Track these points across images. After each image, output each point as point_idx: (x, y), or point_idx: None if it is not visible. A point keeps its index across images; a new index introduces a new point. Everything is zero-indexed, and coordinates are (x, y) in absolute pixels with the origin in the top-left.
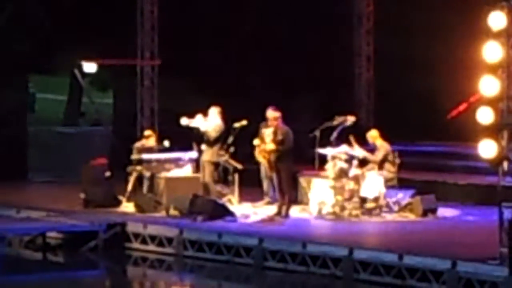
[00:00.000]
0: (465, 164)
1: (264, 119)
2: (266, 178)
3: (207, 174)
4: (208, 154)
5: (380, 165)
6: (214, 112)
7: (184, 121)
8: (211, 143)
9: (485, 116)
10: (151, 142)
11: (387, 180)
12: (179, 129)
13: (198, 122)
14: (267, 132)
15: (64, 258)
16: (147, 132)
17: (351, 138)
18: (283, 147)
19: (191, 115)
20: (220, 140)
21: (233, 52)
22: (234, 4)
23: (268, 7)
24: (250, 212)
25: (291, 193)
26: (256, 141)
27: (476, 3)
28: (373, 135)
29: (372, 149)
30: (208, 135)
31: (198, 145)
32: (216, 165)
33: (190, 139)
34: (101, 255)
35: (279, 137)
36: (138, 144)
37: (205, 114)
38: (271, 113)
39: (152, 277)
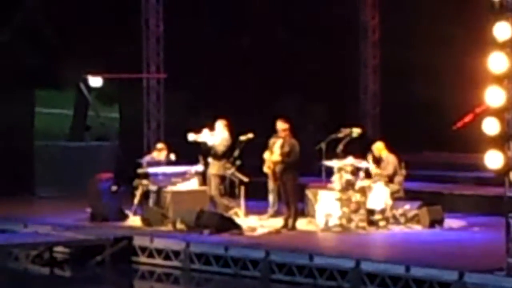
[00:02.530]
0: (472, 175)
1: (270, 132)
2: (272, 191)
3: (213, 187)
4: (215, 167)
5: (391, 178)
6: (221, 126)
7: (191, 136)
8: (218, 157)
9: (491, 126)
10: (162, 155)
11: (393, 192)
12: (185, 142)
13: (205, 136)
14: (277, 144)
15: (71, 273)
16: (159, 145)
17: (369, 157)
18: (288, 159)
19: (197, 129)
20: (227, 153)
21: (239, 65)
22: (238, 17)
23: (272, 20)
24: (256, 225)
25: (296, 205)
26: (266, 154)
27: (481, 13)
28: (379, 147)
29: (378, 161)
30: (215, 149)
31: (205, 158)
32: (222, 178)
33: (196, 152)
34: (108, 269)
35: (286, 148)
36: (147, 157)
37: (211, 127)
38: (281, 125)
39: None
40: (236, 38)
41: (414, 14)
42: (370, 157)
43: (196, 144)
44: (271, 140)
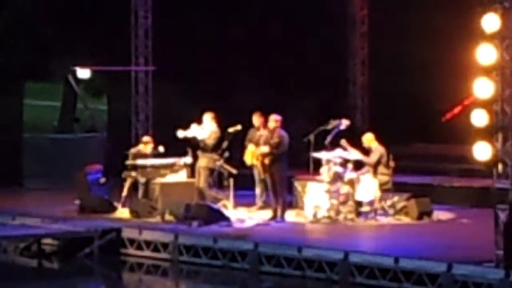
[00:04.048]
0: (460, 166)
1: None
2: (259, 182)
3: (202, 180)
4: (205, 160)
5: (374, 168)
6: (208, 118)
7: (180, 133)
8: (207, 150)
9: (479, 118)
10: (148, 148)
11: (382, 184)
12: (175, 138)
13: (195, 131)
14: (263, 137)
15: (60, 265)
16: (145, 138)
17: (344, 143)
18: (277, 151)
19: (185, 125)
20: (217, 146)
21: (227, 56)
22: (227, 8)
23: (261, 11)
24: (245, 217)
25: (284, 197)
26: (251, 147)
27: (470, 5)
28: (368, 138)
29: (367, 152)
30: (205, 143)
31: (193, 150)
32: (211, 170)
33: (185, 144)
34: (96, 261)
35: (275, 139)
36: (133, 150)
37: (198, 121)
38: (274, 116)
39: (147, 283)
40: (225, 30)
41: (403, 6)
42: (345, 143)
43: (187, 140)
44: (253, 133)
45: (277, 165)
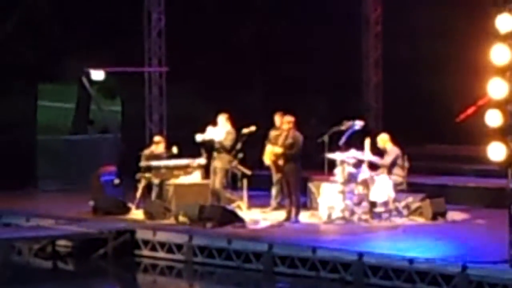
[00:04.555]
0: (475, 167)
1: (272, 124)
2: (276, 183)
3: (218, 181)
4: (222, 161)
5: (389, 169)
6: (223, 119)
7: (199, 137)
8: (225, 151)
9: (493, 118)
10: (160, 148)
11: (396, 184)
12: (188, 135)
13: (211, 134)
14: (281, 137)
15: (74, 267)
16: (156, 138)
17: (367, 142)
18: (290, 151)
19: (200, 125)
20: (233, 147)
21: (241, 57)
22: (239, 8)
23: (274, 11)
24: (259, 218)
25: (298, 197)
26: (269, 147)
27: (484, 5)
28: (383, 138)
29: (381, 153)
30: (222, 144)
31: (207, 151)
32: (227, 171)
33: (199, 145)
34: (110, 263)
35: (289, 140)
36: (147, 151)
37: (213, 122)
38: (287, 117)
39: (162, 284)
40: (238, 31)
41: (417, 7)
42: (367, 142)
43: (204, 142)
44: (273, 133)
45: (290, 165)
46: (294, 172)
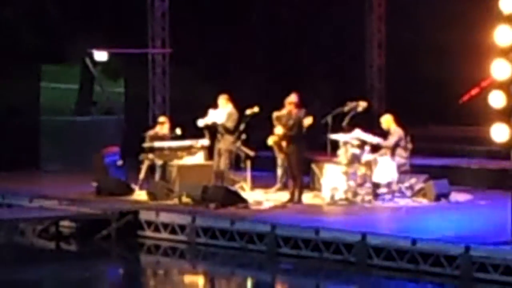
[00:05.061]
0: (478, 148)
1: (276, 106)
2: (281, 165)
3: (223, 162)
4: (226, 142)
5: (392, 150)
6: (223, 101)
7: (200, 122)
8: (229, 132)
9: (497, 100)
10: (165, 129)
11: (399, 166)
12: (191, 117)
13: (214, 117)
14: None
15: (77, 247)
16: (161, 119)
17: (368, 141)
18: (291, 132)
19: (202, 109)
20: (236, 128)
21: (244, 39)
22: None
23: None
24: (262, 199)
25: (301, 178)
26: (278, 129)
27: None
28: (387, 120)
29: (384, 134)
30: (224, 126)
31: (210, 132)
32: (230, 152)
33: (202, 127)
34: (114, 244)
35: (290, 122)
36: (151, 132)
37: (214, 105)
38: (292, 97)
39: (165, 265)
40: (242, 14)
41: None
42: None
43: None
44: (276, 113)
45: (292, 146)
46: (295, 153)
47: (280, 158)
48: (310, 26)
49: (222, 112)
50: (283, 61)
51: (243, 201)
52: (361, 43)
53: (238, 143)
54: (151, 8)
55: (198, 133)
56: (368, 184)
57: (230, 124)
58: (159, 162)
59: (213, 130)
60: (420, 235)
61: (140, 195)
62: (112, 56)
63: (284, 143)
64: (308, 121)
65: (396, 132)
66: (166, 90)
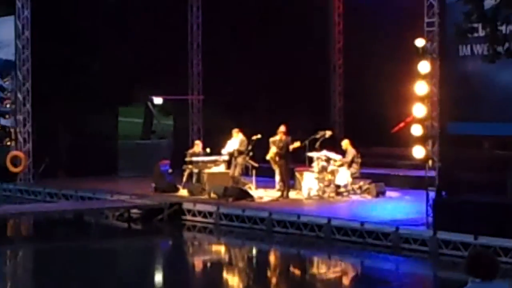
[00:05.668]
0: (404, 162)
1: (270, 134)
2: (278, 173)
3: (237, 171)
4: (240, 159)
5: (349, 164)
6: (235, 133)
7: (224, 151)
8: (241, 153)
9: (416, 130)
10: (198, 148)
11: (353, 173)
12: (216, 140)
13: (231, 146)
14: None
15: (142, 227)
16: (197, 142)
17: (332, 157)
18: (282, 152)
19: (223, 144)
20: (246, 148)
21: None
22: (250, 59)
23: (262, 49)
24: (263, 195)
25: (289, 182)
26: (273, 149)
27: (411, 55)
28: (345, 143)
29: (343, 153)
30: (239, 150)
31: (230, 155)
32: (241, 165)
33: (223, 147)
34: (166, 225)
35: (281, 144)
36: (190, 151)
37: (229, 136)
38: (281, 128)
39: (199, 238)
40: (252, 71)
41: (369, 55)
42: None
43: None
44: (272, 139)
45: (282, 161)
46: (284, 165)
47: (275, 169)
48: (295, 85)
49: (235, 141)
50: (276, 103)
51: (250, 196)
52: (327, 92)
53: (247, 158)
54: (190, 69)
55: (221, 152)
56: (332, 186)
57: (242, 148)
58: (195, 170)
59: (231, 153)
60: (366, 219)
61: (183, 192)
62: (165, 100)
63: (277, 158)
64: (296, 144)
65: (351, 152)
66: (200, 123)
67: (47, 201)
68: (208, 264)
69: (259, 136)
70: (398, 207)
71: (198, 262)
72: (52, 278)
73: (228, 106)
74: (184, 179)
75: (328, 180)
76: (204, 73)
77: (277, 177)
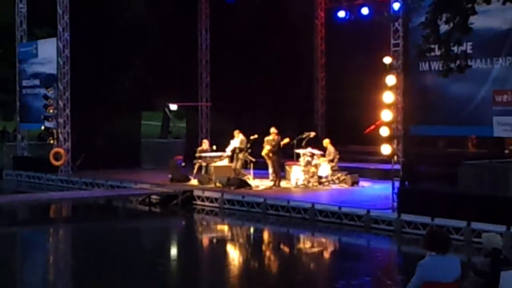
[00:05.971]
0: (374, 158)
1: (264, 134)
2: (271, 167)
3: (238, 164)
4: (240, 155)
5: (331, 160)
6: (236, 133)
7: (228, 149)
8: (241, 150)
9: (384, 131)
10: (206, 146)
11: (332, 167)
12: (221, 139)
13: (233, 144)
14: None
15: (160, 210)
16: (204, 141)
17: (315, 154)
18: (274, 149)
19: (227, 142)
20: (246, 146)
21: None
22: (248, 70)
23: (260, 65)
24: (259, 184)
25: (280, 173)
26: (267, 147)
27: (380, 70)
28: (326, 141)
29: (324, 150)
30: (239, 147)
31: (231, 150)
32: (242, 159)
33: (226, 146)
34: (180, 208)
35: (273, 143)
36: (199, 148)
37: (231, 135)
38: (273, 129)
39: (207, 219)
40: (250, 83)
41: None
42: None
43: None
44: (266, 138)
45: (275, 156)
46: (276, 160)
47: (269, 163)
48: (283, 96)
49: (236, 140)
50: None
51: (249, 185)
52: (311, 100)
53: (246, 154)
54: (200, 81)
55: (224, 149)
56: (315, 177)
57: (242, 146)
58: (204, 164)
59: (233, 150)
60: (343, 204)
61: (194, 182)
62: (179, 107)
63: (270, 154)
64: (286, 140)
65: (331, 150)
66: (208, 125)
67: (82, 189)
68: (214, 240)
69: (256, 136)
70: (369, 194)
71: (206, 239)
72: (87, 252)
73: (231, 111)
74: (195, 171)
75: (312, 172)
76: (212, 84)
77: (270, 170)
